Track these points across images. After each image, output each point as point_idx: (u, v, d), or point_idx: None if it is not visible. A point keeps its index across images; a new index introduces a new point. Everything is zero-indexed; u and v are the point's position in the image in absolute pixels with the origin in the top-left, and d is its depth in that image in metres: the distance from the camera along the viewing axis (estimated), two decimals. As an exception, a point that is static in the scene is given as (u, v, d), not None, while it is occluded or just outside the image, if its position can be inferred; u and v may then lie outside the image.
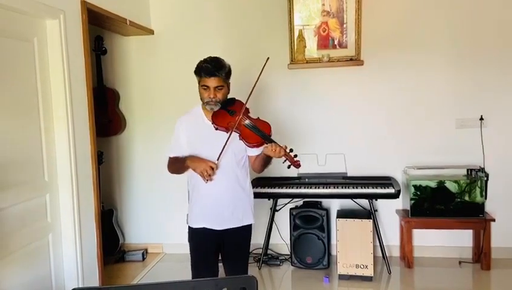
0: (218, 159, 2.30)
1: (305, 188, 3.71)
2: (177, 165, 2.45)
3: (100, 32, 4.03)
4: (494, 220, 3.62)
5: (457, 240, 3.91)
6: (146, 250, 4.26)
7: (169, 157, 2.52)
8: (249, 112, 2.38)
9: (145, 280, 3.76)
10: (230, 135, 2.26)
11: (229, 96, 2.44)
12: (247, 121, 2.31)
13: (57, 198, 2.90)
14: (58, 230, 2.91)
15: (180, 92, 4.09)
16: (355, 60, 3.80)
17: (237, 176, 2.45)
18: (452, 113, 3.84)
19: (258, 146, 2.30)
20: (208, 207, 2.47)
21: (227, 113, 2.35)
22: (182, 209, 4.01)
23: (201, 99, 2.40)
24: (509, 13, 3.70)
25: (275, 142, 2.24)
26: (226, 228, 2.47)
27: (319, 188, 3.68)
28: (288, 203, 3.97)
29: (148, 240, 4.33)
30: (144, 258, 4.16)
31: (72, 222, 2.94)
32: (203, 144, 2.40)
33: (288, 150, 2.24)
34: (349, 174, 3.86)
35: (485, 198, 3.63)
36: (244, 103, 2.38)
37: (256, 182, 3.78)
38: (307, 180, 3.82)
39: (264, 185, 3.75)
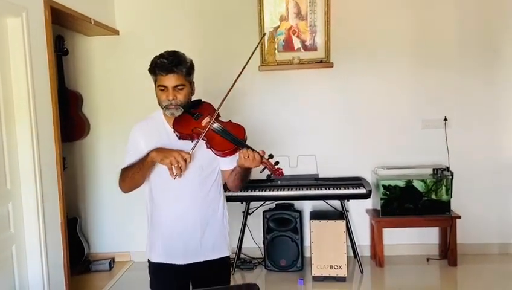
0: (192, 150, 1.85)
1: (277, 190, 3.69)
2: (133, 169, 1.93)
3: (61, 32, 3.84)
4: (459, 217, 3.74)
5: (424, 237, 4.02)
6: (113, 259, 4.08)
7: (122, 169, 2.02)
8: (219, 115, 1.96)
9: (113, 290, 3.62)
10: (197, 142, 1.86)
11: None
12: (215, 125, 1.90)
13: (20, 207, 2.72)
14: (22, 241, 2.73)
15: (146, 94, 3.86)
16: (325, 62, 3.83)
17: (206, 195, 2.00)
18: (418, 114, 3.95)
19: (229, 154, 1.87)
20: (169, 235, 2.01)
21: (191, 117, 1.94)
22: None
23: (159, 103, 1.97)
24: (468, 19, 3.86)
25: (250, 147, 1.84)
26: (192, 262, 2.01)
27: (291, 190, 3.67)
28: (260, 206, 3.93)
29: (115, 249, 4.16)
30: (111, 268, 3.99)
31: (37, 232, 2.77)
32: None
33: (266, 157, 1.85)
34: (320, 176, 3.87)
35: (451, 196, 3.75)
36: (214, 104, 2.01)
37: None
38: (279, 182, 3.79)
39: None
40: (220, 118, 1.96)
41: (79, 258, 3.93)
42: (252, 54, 2.03)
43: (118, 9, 3.99)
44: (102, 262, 3.98)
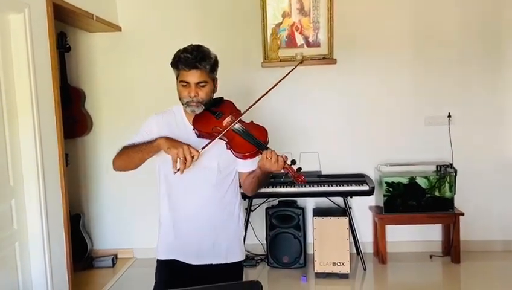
0: (203, 149, 1.76)
1: (280, 187, 3.67)
2: (136, 148, 1.84)
3: (63, 28, 3.84)
4: (463, 214, 3.72)
5: (427, 234, 4.00)
6: (116, 256, 4.09)
7: (123, 146, 1.93)
8: (241, 115, 1.92)
9: (116, 287, 3.62)
10: (210, 142, 1.80)
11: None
12: (237, 126, 1.84)
13: (23, 204, 2.73)
14: (25, 238, 2.74)
15: (149, 91, 3.97)
16: (328, 59, 3.82)
17: (223, 197, 1.94)
18: (422, 111, 3.93)
19: (250, 157, 1.81)
20: (182, 234, 1.95)
21: (212, 115, 1.88)
22: (153, 212, 3.87)
23: (180, 99, 1.90)
24: (471, 15, 3.83)
25: (272, 150, 1.78)
26: (204, 263, 1.95)
27: (294, 186, 3.65)
28: (263, 203, 3.93)
29: (118, 245, 4.17)
30: (113, 264, 3.99)
31: (40, 228, 2.78)
32: None
33: (289, 162, 1.78)
34: (323, 173, 3.86)
35: (454, 193, 3.73)
36: (236, 106, 1.96)
37: (231, 182, 3.74)
38: (282, 179, 3.78)
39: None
40: (241, 118, 1.90)
41: (82, 255, 3.94)
42: (295, 68, 2.02)
43: (120, 5, 3.97)
44: (105, 258, 3.99)
